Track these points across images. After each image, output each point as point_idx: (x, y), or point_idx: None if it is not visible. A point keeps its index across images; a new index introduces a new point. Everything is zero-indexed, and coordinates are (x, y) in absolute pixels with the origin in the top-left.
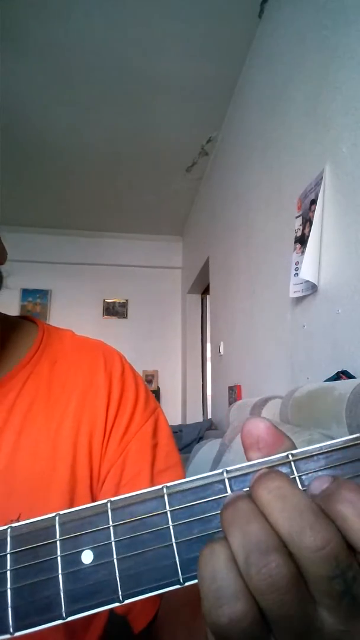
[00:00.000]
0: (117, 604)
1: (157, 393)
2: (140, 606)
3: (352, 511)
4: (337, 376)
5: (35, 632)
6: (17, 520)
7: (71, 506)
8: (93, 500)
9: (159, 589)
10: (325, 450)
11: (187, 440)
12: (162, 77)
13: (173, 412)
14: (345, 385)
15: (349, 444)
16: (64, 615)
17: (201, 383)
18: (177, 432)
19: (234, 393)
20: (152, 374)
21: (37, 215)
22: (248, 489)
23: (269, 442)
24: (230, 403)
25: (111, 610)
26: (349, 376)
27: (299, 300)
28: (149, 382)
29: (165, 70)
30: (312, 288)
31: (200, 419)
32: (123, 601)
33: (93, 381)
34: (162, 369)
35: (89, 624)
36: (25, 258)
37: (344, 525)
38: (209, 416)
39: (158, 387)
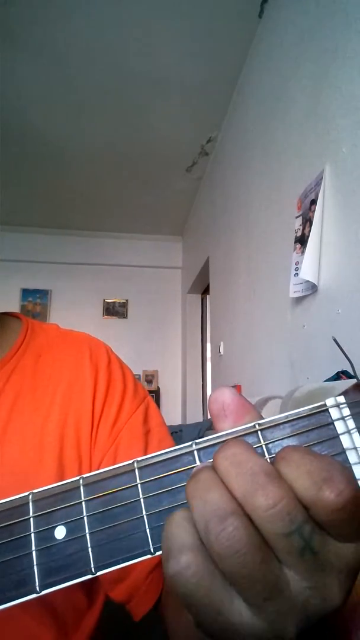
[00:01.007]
0: (89, 576)
1: (157, 393)
2: (142, 593)
3: (296, 471)
4: (337, 376)
5: (25, 629)
6: None
7: None
8: None
9: (131, 559)
10: (291, 418)
11: (187, 440)
12: (162, 77)
13: (173, 412)
14: (345, 385)
15: (314, 411)
16: (37, 589)
17: (201, 383)
18: (177, 432)
19: None
20: (152, 374)
21: (37, 215)
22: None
23: (233, 410)
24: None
25: (104, 607)
26: (349, 376)
27: (299, 300)
28: (149, 382)
29: (165, 70)
30: (312, 288)
31: (200, 419)
32: (95, 573)
33: (79, 373)
34: (162, 369)
35: (80, 623)
36: (25, 258)
37: (294, 486)
38: (209, 416)
39: (158, 387)
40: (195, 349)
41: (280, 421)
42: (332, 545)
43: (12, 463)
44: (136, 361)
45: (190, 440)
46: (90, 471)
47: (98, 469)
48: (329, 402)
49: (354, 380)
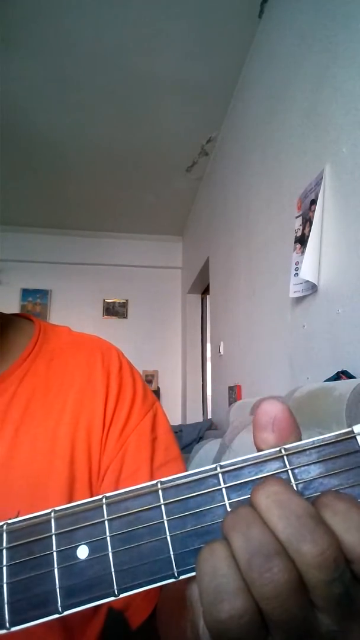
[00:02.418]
0: (112, 598)
1: (157, 393)
2: (139, 602)
3: (343, 524)
4: (337, 376)
5: (33, 633)
6: (16, 517)
7: (70, 502)
8: (91, 496)
9: (154, 582)
10: (318, 444)
11: (187, 440)
12: (162, 77)
13: (173, 412)
14: (345, 385)
15: (341, 438)
16: (59, 609)
17: (201, 383)
18: (177, 432)
19: (234, 393)
20: (152, 374)
21: (37, 215)
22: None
23: (283, 427)
24: (230, 403)
25: (109, 610)
26: (349, 376)
27: (299, 300)
28: (149, 382)
29: (165, 70)
30: (312, 288)
31: (200, 419)
32: (118, 595)
33: (91, 377)
34: (162, 369)
35: (86, 626)
36: (25, 258)
37: (340, 538)
38: (209, 416)
39: (158, 387)
40: (195, 349)
41: (307, 447)
42: None
43: (24, 467)
44: (136, 361)
45: (190, 441)
46: (98, 477)
47: (104, 475)
48: (357, 429)
49: (354, 381)
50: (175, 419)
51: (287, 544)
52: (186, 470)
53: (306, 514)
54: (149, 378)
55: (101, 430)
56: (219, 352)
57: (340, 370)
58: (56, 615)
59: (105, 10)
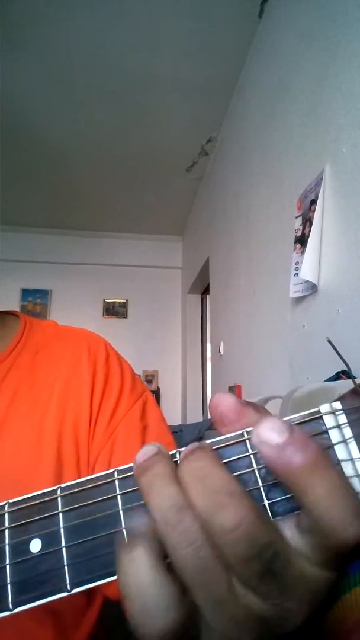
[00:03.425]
0: (65, 594)
1: (157, 393)
2: None
3: (314, 477)
4: (337, 376)
5: (24, 629)
6: None
7: None
8: None
9: (109, 576)
10: None
11: (187, 440)
12: (162, 77)
13: (173, 412)
14: (345, 385)
15: (307, 418)
16: (10, 606)
17: (201, 383)
18: (177, 432)
19: (234, 393)
20: (152, 374)
21: (37, 215)
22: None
23: (231, 419)
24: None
25: (105, 600)
26: (349, 376)
27: (299, 300)
28: (149, 382)
29: (165, 70)
30: (312, 288)
31: (200, 419)
32: (71, 590)
33: (77, 369)
34: (162, 369)
35: (79, 621)
36: (25, 258)
37: (302, 492)
38: (209, 416)
39: (158, 387)
40: (195, 349)
41: None
42: (297, 570)
43: (9, 461)
44: (136, 361)
45: (191, 441)
46: (88, 468)
47: (95, 465)
48: (324, 408)
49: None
50: (175, 419)
51: (203, 521)
52: None
53: (224, 489)
54: (149, 378)
55: (88, 421)
56: (219, 352)
57: (340, 370)
58: (7, 613)
59: (106, 11)
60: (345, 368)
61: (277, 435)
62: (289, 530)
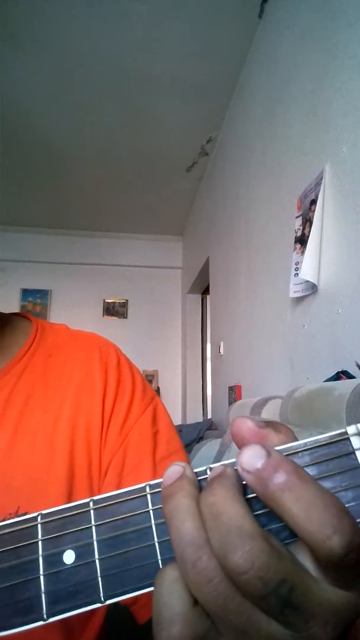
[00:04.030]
0: (99, 605)
1: (157, 393)
2: (145, 597)
3: (288, 497)
4: (337, 376)
5: (33, 633)
6: (16, 513)
7: (69, 498)
8: (91, 492)
9: (142, 589)
10: (310, 446)
11: (187, 440)
12: (162, 77)
13: (173, 412)
14: (345, 385)
15: (335, 439)
16: (44, 616)
17: (201, 383)
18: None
19: (234, 393)
20: (152, 374)
21: (37, 215)
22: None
23: (253, 442)
24: (230, 403)
25: (109, 608)
26: (349, 376)
27: (299, 300)
28: (149, 382)
29: (165, 70)
30: (312, 288)
31: (200, 419)
32: (105, 601)
33: (89, 373)
34: (162, 369)
35: (87, 623)
36: (25, 258)
37: (280, 513)
38: (209, 416)
39: (158, 387)
40: (195, 349)
41: (299, 449)
42: (316, 597)
43: (23, 463)
44: (136, 361)
45: (190, 441)
46: (100, 473)
47: (107, 471)
48: (350, 430)
49: (354, 381)
50: (175, 419)
51: (217, 557)
52: (188, 462)
53: (235, 529)
54: (149, 378)
55: (100, 426)
56: (219, 352)
57: (340, 370)
58: (41, 623)
59: (106, 11)
60: (345, 368)
61: (255, 461)
62: (304, 554)
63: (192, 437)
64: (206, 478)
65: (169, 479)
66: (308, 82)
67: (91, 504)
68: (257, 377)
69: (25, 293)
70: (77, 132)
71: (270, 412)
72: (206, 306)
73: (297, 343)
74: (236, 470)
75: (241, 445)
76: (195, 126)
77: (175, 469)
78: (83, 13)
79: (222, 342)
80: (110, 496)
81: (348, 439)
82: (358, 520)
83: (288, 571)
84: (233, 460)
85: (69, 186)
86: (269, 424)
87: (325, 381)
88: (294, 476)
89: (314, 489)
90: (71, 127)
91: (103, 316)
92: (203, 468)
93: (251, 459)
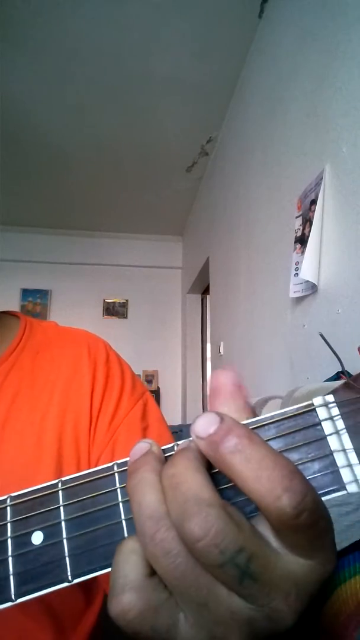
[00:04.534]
0: (66, 584)
1: (157, 393)
2: None
3: (238, 459)
4: (337, 376)
5: (23, 630)
6: None
7: None
8: None
9: (108, 567)
10: (277, 418)
11: None
12: (162, 77)
13: (173, 412)
14: None
15: (301, 411)
16: (13, 597)
17: (201, 383)
18: (177, 432)
19: None
20: (152, 374)
21: (37, 215)
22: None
23: (228, 391)
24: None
25: (103, 606)
26: (349, 376)
27: (299, 300)
28: (149, 382)
29: (165, 70)
30: (312, 288)
31: None
32: (72, 580)
33: (77, 370)
34: (162, 369)
35: (78, 622)
36: (25, 258)
37: (232, 477)
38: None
39: (158, 387)
40: (195, 349)
41: (265, 422)
42: (276, 567)
43: (10, 461)
44: (136, 361)
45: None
46: (89, 468)
47: (96, 466)
48: (317, 401)
49: None
50: (175, 419)
51: (175, 528)
52: None
53: (193, 496)
54: (149, 378)
55: (88, 422)
56: (219, 352)
57: (340, 370)
58: (9, 604)
59: (106, 11)
60: (345, 368)
61: (208, 427)
62: (265, 526)
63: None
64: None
65: (134, 455)
66: (308, 82)
67: (60, 484)
68: (257, 377)
69: (25, 293)
70: (77, 132)
71: (270, 412)
72: (206, 306)
73: (297, 343)
74: None
75: (214, 391)
76: (195, 126)
77: (141, 446)
78: (83, 13)
79: (222, 342)
80: (79, 476)
81: (314, 410)
82: (325, 490)
83: (246, 540)
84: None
85: (68, 186)
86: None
87: (325, 381)
88: (244, 439)
89: (264, 450)
90: (71, 127)
91: (103, 316)
92: (171, 445)
93: (204, 425)
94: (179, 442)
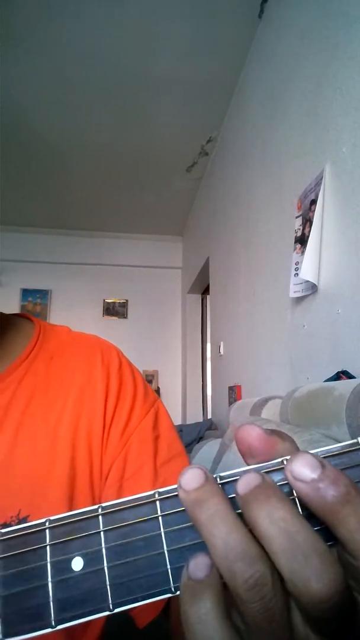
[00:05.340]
0: (107, 613)
1: (157, 393)
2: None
3: (348, 509)
4: (337, 376)
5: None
6: (17, 516)
7: (71, 501)
8: (93, 496)
9: (150, 597)
10: (323, 455)
11: (187, 440)
12: (162, 77)
13: (173, 412)
14: (345, 385)
15: (347, 449)
16: (53, 623)
17: (201, 383)
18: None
19: (234, 393)
20: (152, 374)
21: (37, 215)
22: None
23: (260, 450)
24: (230, 403)
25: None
26: (349, 376)
27: (299, 300)
28: (149, 382)
29: (165, 70)
30: (312, 288)
31: (200, 419)
32: (113, 610)
33: (91, 376)
34: (162, 369)
35: (88, 625)
36: (25, 258)
37: (338, 526)
38: (209, 416)
39: (158, 387)
40: (195, 349)
41: None
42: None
43: (24, 466)
44: (136, 361)
45: (190, 441)
46: (101, 476)
47: (108, 474)
48: None
49: (354, 381)
50: (175, 419)
51: (288, 580)
52: (189, 465)
53: (314, 552)
54: (149, 378)
55: (102, 430)
56: (219, 352)
57: (340, 370)
58: (49, 630)
59: (105, 10)
60: (345, 368)
61: (310, 471)
62: None
63: (192, 437)
64: (225, 483)
65: (191, 483)
66: (308, 82)
67: (99, 510)
68: (257, 377)
69: (25, 293)
70: (77, 132)
71: (270, 412)
72: (206, 306)
73: (297, 343)
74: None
75: (248, 453)
76: (195, 126)
77: (197, 472)
78: (83, 13)
79: (222, 342)
80: (119, 502)
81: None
82: None
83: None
84: (246, 468)
85: (69, 186)
86: (274, 432)
87: (325, 381)
88: (352, 489)
89: None
90: (71, 127)
91: (103, 316)
92: (214, 476)
93: (305, 467)
94: (223, 475)
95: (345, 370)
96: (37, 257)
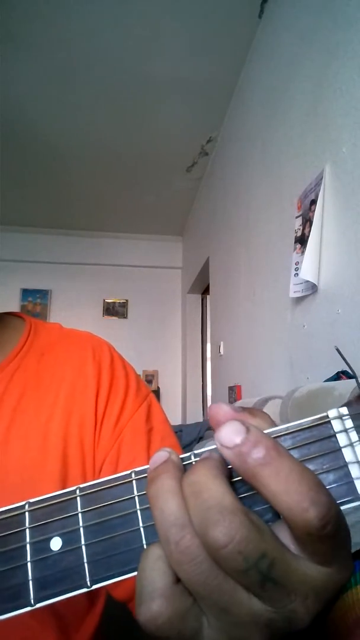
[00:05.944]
0: (85, 589)
1: (157, 393)
2: None
3: (267, 471)
4: (337, 376)
5: (27, 630)
6: None
7: None
8: None
9: (127, 573)
10: (292, 430)
11: (187, 440)
12: (162, 77)
13: (173, 412)
14: (345, 385)
15: (316, 422)
16: (32, 602)
17: (201, 383)
18: (177, 432)
19: (234, 393)
20: (152, 374)
21: (37, 215)
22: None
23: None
24: (230, 403)
25: (106, 605)
26: (349, 376)
27: (299, 300)
28: (149, 382)
29: (165, 70)
30: (312, 288)
31: (200, 419)
32: (91, 586)
33: (82, 371)
34: (162, 369)
35: (81, 623)
36: (25, 258)
37: (259, 488)
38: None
39: (158, 387)
40: (195, 349)
41: (281, 433)
42: (296, 572)
43: (16, 463)
44: (136, 361)
45: (190, 441)
46: (94, 470)
47: (101, 468)
48: (331, 413)
49: (354, 381)
50: (175, 419)
51: (199, 535)
52: None
53: (216, 504)
54: (149, 378)
55: (93, 424)
56: (219, 352)
57: (340, 370)
58: (28, 608)
59: (105, 10)
60: (346, 368)
61: (234, 437)
62: (284, 533)
63: (192, 437)
64: (191, 463)
65: (154, 463)
66: (308, 82)
67: (77, 491)
68: (257, 377)
69: (25, 293)
70: (77, 131)
71: (270, 412)
72: (206, 306)
73: (297, 343)
74: (221, 455)
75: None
76: (195, 126)
77: (161, 454)
78: (83, 13)
79: (222, 342)
80: (97, 483)
81: (329, 422)
82: (340, 501)
83: (268, 546)
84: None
85: (69, 186)
86: (245, 409)
87: (325, 381)
88: (272, 451)
89: (291, 463)
90: (71, 127)
91: (103, 316)
92: (188, 454)
93: (230, 434)
94: (196, 452)
95: (345, 370)
96: (37, 257)
